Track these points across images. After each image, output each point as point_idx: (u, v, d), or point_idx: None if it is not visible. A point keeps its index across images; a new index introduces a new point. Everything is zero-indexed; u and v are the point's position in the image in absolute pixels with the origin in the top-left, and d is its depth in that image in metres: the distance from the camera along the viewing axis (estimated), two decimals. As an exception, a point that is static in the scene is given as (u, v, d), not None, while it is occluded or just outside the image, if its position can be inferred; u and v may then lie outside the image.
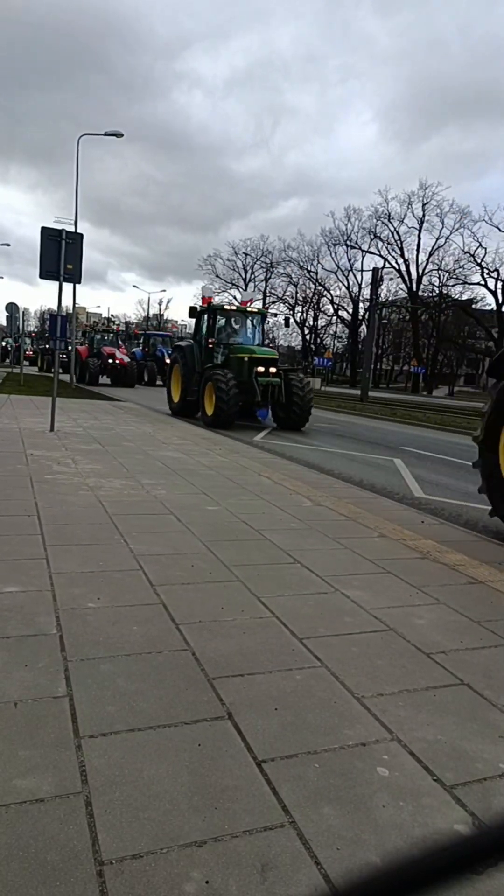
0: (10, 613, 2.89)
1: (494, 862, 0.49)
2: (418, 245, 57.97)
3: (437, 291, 58.24)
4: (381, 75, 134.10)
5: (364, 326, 57.00)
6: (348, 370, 69.92)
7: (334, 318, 70.10)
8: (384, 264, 56.99)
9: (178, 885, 1.48)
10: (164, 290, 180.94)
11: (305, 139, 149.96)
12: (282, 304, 69.27)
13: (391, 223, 57.16)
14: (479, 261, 51.55)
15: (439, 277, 57.76)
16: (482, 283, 52.68)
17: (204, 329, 14.75)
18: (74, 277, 9.59)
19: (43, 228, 9.37)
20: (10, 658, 2.47)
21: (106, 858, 1.53)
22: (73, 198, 26.66)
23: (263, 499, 5.93)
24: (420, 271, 58.30)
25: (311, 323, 72.84)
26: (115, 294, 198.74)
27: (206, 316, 14.78)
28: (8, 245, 54.33)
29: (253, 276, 69.13)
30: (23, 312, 25.80)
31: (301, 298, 70.65)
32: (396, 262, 59.02)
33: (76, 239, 9.56)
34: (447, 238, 55.17)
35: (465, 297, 56.90)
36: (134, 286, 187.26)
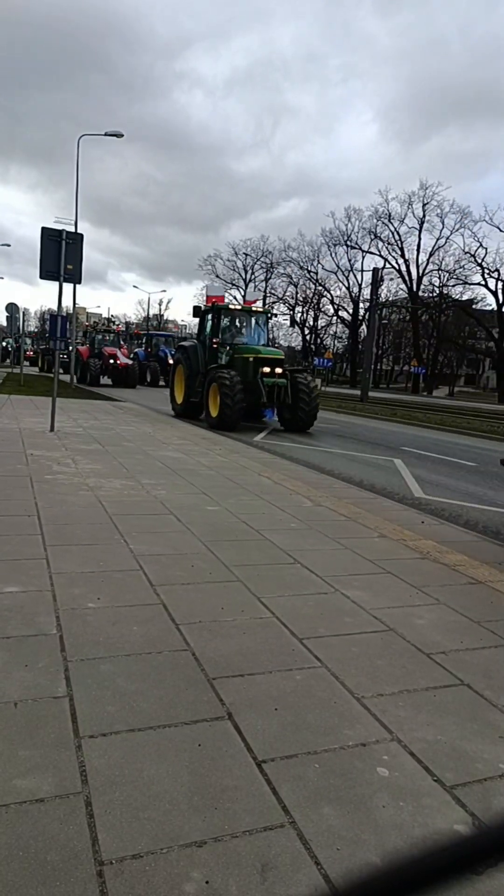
0: (11, 613, 2.89)
1: (494, 862, 0.49)
2: (418, 245, 57.97)
3: (438, 292, 58.14)
4: (382, 75, 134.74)
5: (364, 327, 56.94)
6: (348, 370, 69.90)
7: (334, 318, 70.14)
8: (384, 264, 56.98)
9: (178, 885, 1.48)
10: (164, 291, 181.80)
11: (305, 139, 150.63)
12: (282, 305, 69.44)
13: (391, 223, 57.14)
14: (479, 261, 51.45)
15: (440, 277, 57.75)
16: (483, 283, 52.57)
17: (208, 329, 14.57)
18: (74, 278, 9.59)
19: (43, 229, 9.37)
20: (11, 658, 2.47)
21: (106, 858, 1.53)
22: (73, 198, 26.72)
23: (263, 499, 5.94)
24: (420, 271, 58.30)
25: (312, 323, 72.92)
26: (115, 294, 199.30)
27: (210, 315, 14.58)
28: (8, 245, 54.32)
29: (253, 277, 69.26)
30: (23, 313, 25.76)
31: (301, 299, 70.76)
32: (397, 263, 59.04)
33: (76, 239, 9.56)
34: (447, 238, 55.18)
35: (465, 298, 56.84)
36: (134, 286, 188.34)
